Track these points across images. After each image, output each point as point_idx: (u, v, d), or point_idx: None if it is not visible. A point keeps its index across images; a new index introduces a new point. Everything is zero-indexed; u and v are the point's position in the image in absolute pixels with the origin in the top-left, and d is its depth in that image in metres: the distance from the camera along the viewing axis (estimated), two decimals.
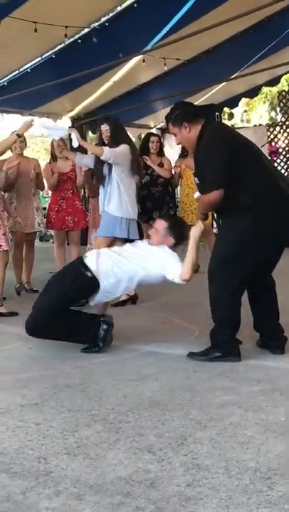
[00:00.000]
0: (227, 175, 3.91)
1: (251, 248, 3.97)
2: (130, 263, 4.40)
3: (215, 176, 3.95)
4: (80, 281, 4.37)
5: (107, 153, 5.93)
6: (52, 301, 4.37)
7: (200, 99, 12.79)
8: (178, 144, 4.40)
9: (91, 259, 4.46)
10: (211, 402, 3.30)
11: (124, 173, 6.07)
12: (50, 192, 8.05)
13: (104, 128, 6.15)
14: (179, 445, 2.77)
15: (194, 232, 4.30)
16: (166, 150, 9.14)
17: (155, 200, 8.03)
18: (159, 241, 4.50)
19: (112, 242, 6.03)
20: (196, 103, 12.73)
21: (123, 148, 6.01)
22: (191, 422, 3.04)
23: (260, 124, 15.68)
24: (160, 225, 4.57)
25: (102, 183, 6.18)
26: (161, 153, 8.12)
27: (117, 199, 6.06)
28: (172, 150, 10.36)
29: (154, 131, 12.31)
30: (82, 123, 12.96)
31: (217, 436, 2.84)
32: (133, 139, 14.16)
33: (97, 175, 6.32)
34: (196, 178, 4.21)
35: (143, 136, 15.32)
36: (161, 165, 8.09)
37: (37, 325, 4.38)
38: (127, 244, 4.75)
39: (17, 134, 5.77)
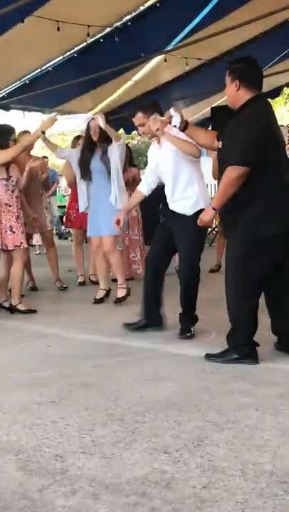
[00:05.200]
0: (254, 155, 3.82)
1: (261, 246, 3.91)
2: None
3: (244, 152, 3.84)
4: None
5: (123, 141, 5.97)
6: None
7: (221, 99, 12.77)
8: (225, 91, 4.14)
9: None
10: (228, 404, 3.29)
11: (120, 169, 6.09)
12: (69, 190, 8.07)
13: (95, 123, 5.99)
14: (196, 446, 2.77)
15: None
16: None
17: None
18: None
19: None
20: (217, 103, 12.76)
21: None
22: (208, 423, 3.04)
23: (281, 125, 15.59)
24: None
25: (90, 177, 6.09)
26: None
27: (124, 194, 6.07)
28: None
29: None
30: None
31: (234, 439, 2.84)
32: None
33: (85, 169, 6.10)
34: (220, 142, 4.11)
35: None
36: None
37: None
38: None
39: (42, 130, 5.80)
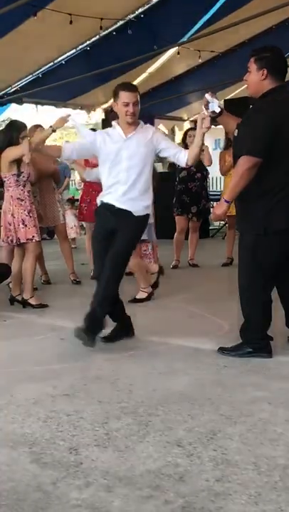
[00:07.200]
0: (266, 146, 3.77)
1: (273, 240, 3.89)
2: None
3: (257, 143, 3.78)
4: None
5: None
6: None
7: (234, 92, 12.71)
8: (244, 80, 4.06)
9: None
10: (241, 398, 3.29)
11: None
12: (82, 184, 8.07)
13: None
14: (209, 440, 2.77)
15: (202, 125, 4.22)
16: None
17: (193, 195, 8.11)
18: None
19: None
20: (230, 96, 12.71)
21: None
22: (221, 417, 3.04)
23: None
24: None
25: None
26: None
27: None
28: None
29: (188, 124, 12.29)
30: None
31: (247, 432, 2.84)
32: (166, 132, 14.23)
33: None
34: (236, 130, 4.04)
35: (176, 128, 15.35)
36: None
37: None
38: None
39: (52, 129, 5.80)
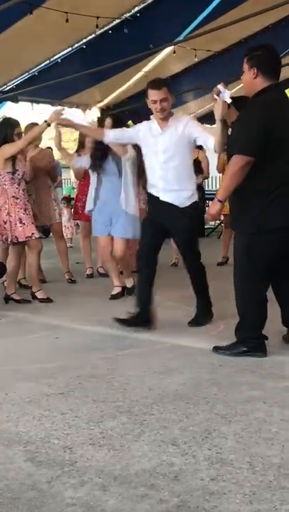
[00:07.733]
0: (260, 145, 3.77)
1: (267, 238, 3.88)
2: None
3: (249, 142, 3.80)
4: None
5: (130, 156, 5.76)
6: None
7: (231, 91, 12.67)
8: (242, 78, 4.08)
9: None
10: (236, 397, 3.29)
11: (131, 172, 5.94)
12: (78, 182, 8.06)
13: (107, 121, 6.06)
14: (204, 439, 2.77)
15: (216, 113, 4.24)
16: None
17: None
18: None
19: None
20: None
21: None
22: (216, 416, 3.04)
23: None
24: None
25: (100, 171, 6.00)
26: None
27: (132, 197, 5.96)
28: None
29: None
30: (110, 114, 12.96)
31: (242, 432, 2.84)
32: None
33: (96, 161, 6.00)
34: (230, 129, 4.07)
35: None
36: (197, 161, 8.11)
37: None
38: None
39: (47, 123, 5.80)
